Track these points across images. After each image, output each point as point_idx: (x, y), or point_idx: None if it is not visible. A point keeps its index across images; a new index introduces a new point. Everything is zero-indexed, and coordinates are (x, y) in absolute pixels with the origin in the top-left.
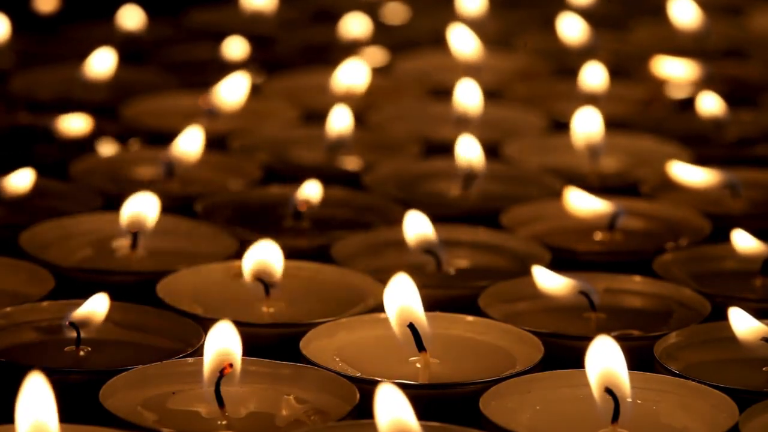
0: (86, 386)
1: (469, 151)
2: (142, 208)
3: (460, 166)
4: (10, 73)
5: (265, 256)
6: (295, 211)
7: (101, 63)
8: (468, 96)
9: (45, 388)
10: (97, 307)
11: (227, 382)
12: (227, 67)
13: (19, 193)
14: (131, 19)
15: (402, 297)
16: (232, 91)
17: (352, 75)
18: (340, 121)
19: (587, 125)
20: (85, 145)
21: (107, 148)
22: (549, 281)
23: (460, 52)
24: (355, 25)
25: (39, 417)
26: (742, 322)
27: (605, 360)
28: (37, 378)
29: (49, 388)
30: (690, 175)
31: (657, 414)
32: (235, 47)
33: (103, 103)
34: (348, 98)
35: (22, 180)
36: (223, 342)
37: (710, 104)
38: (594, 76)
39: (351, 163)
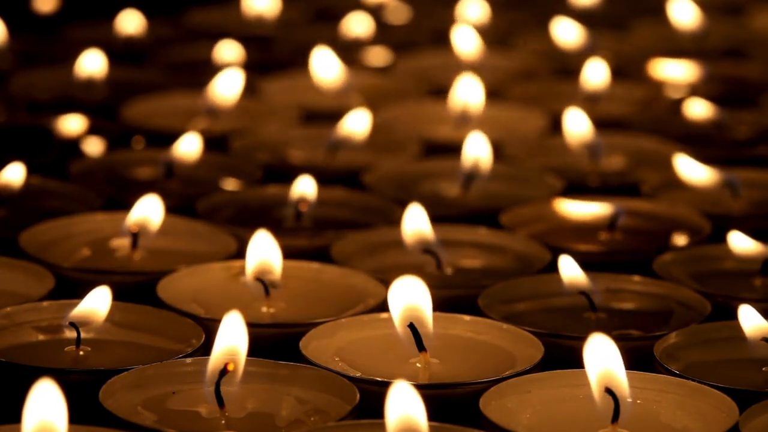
0: (86, 386)
1: (476, 149)
2: (147, 210)
3: (461, 166)
4: (9, 73)
5: (264, 254)
6: (295, 211)
7: (94, 63)
8: (468, 93)
9: (55, 392)
10: (97, 304)
11: (227, 382)
12: (227, 68)
13: (14, 188)
14: (131, 19)
15: (407, 297)
16: (227, 89)
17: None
18: (353, 121)
19: (579, 125)
20: (84, 145)
21: (107, 148)
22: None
23: (461, 51)
24: (356, 24)
25: (47, 418)
26: (750, 321)
27: (602, 359)
28: (47, 382)
29: (59, 391)
30: (692, 171)
31: (657, 414)
32: (235, 48)
33: (102, 103)
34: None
35: (14, 175)
36: (232, 338)
37: (700, 109)
38: (594, 74)
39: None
